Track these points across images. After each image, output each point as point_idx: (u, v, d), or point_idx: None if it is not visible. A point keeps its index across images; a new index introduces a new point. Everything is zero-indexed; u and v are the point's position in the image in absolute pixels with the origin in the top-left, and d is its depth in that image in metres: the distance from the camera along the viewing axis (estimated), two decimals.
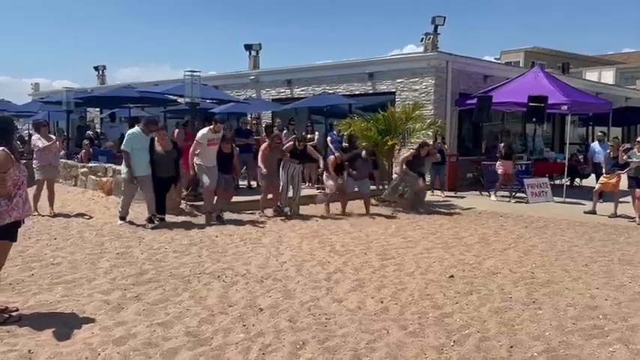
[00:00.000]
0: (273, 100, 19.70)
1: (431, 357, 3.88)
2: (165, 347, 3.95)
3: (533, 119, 13.83)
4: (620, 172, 10.62)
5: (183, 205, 10.02)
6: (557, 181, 14.25)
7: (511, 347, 4.04)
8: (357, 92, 17.73)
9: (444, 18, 16.53)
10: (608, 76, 28.94)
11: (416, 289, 5.52)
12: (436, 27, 16.47)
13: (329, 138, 14.26)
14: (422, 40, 16.80)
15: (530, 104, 12.74)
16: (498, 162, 13.11)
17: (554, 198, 12.67)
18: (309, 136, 14.07)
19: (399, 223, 9.55)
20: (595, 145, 14.08)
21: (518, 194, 13.07)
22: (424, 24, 22.53)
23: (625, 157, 10.37)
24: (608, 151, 11.37)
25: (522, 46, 34.58)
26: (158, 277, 5.74)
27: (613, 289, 5.63)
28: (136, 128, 8.73)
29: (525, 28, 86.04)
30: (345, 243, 7.78)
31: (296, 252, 6.99)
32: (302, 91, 19.09)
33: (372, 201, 11.15)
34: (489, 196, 13.10)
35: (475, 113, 13.89)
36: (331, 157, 10.59)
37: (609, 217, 10.48)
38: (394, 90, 16.85)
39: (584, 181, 15.38)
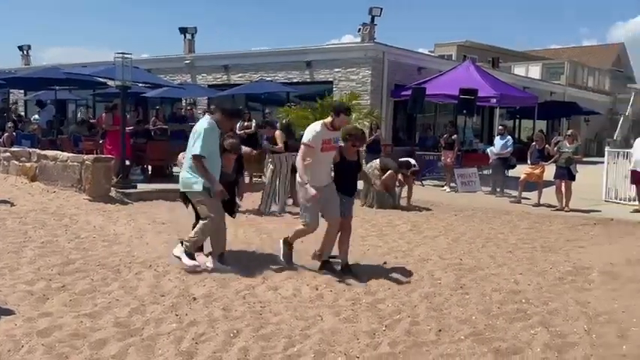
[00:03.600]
0: (209, 86, 19.38)
1: (363, 342, 3.96)
2: (94, 338, 3.82)
3: (464, 111, 14.32)
4: (543, 163, 11.23)
5: (113, 192, 9.69)
6: (486, 172, 14.83)
7: (439, 331, 4.19)
8: (296, 80, 17.72)
9: (381, 9, 16.77)
10: (534, 71, 30.29)
11: (349, 275, 5.60)
12: (373, 18, 16.68)
13: None
14: (359, 31, 17.00)
15: (461, 97, 13.17)
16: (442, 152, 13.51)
17: (482, 188, 13.20)
18: (246, 123, 13.94)
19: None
20: (497, 139, 13.71)
21: (451, 184, 13.51)
22: (362, 14, 22.71)
23: (555, 149, 10.97)
24: (533, 143, 11.97)
25: (455, 40, 35.59)
26: (86, 267, 5.53)
27: (535, 274, 5.93)
28: (209, 120, 5.69)
29: (459, 22, 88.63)
30: (282, 231, 7.77)
31: (232, 240, 6.93)
32: (239, 77, 18.87)
33: None
34: (421, 185, 13.47)
35: (409, 104, 14.22)
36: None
37: (533, 206, 11.05)
38: (332, 79, 16.96)
39: (510, 171, 16.08)
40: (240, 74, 18.84)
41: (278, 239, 7.20)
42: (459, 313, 4.62)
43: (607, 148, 12.98)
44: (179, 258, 5.47)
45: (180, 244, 5.55)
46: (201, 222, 5.56)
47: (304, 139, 5.56)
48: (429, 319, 4.44)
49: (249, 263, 5.93)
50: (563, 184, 10.67)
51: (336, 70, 16.84)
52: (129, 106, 11.34)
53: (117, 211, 8.71)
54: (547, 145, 11.51)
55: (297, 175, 5.68)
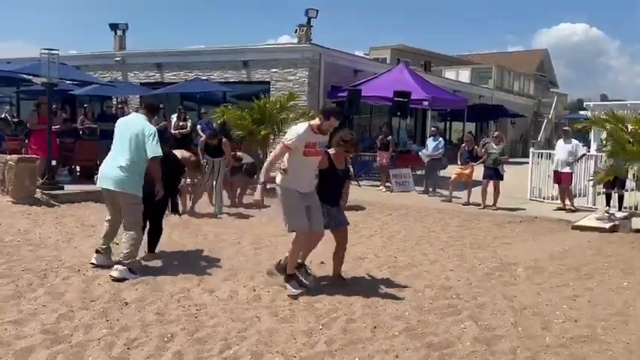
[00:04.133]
0: (141, 84, 18.84)
1: (300, 341, 3.98)
2: (19, 346, 3.64)
3: (398, 113, 14.64)
4: (473, 163, 11.67)
5: (38, 194, 9.24)
6: (419, 172, 15.22)
7: (374, 327, 4.27)
8: (232, 80, 17.53)
9: (317, 11, 16.89)
10: (464, 75, 31.37)
11: None
12: (309, 19, 16.78)
13: (199, 126, 13.95)
14: (296, 32, 17.04)
15: (395, 99, 13.47)
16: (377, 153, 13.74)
17: (416, 188, 13.55)
18: (181, 123, 13.67)
19: (274, 213, 9.62)
20: (429, 140, 13.80)
21: (387, 184, 13.77)
22: (299, 15, 22.78)
23: (483, 150, 11.43)
24: (463, 145, 12.42)
25: (389, 44, 36.36)
26: (10, 272, 5.25)
27: (465, 270, 6.16)
28: (145, 117, 5.61)
29: (393, 26, 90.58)
30: (217, 233, 7.69)
31: (166, 242, 6.77)
32: (173, 75, 18.48)
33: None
34: (358, 185, 13.66)
35: (346, 106, 14.38)
36: (202, 139, 10.14)
37: (463, 205, 11.44)
38: (269, 80, 16.90)
39: (441, 172, 16.60)
40: (174, 73, 18.43)
41: (215, 241, 7.16)
42: (393, 309, 4.73)
43: (531, 149, 13.65)
44: (122, 280, 5.16)
45: (117, 266, 5.26)
46: (127, 235, 5.37)
47: (284, 139, 5.11)
48: (364, 317, 4.51)
49: (184, 266, 5.82)
50: (491, 183, 11.13)
51: (274, 70, 16.80)
52: (56, 104, 10.80)
53: (43, 214, 8.32)
54: (476, 146, 11.97)
55: (262, 170, 5.23)
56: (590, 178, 11.22)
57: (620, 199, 10.81)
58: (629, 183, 10.73)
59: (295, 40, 17.39)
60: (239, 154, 10.57)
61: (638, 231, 8.81)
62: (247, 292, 5.04)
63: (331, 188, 5.37)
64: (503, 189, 11.34)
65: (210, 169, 9.29)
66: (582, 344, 4.09)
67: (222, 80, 17.40)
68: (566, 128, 12.18)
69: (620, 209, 10.45)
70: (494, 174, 11.12)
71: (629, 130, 9.21)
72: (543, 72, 44.22)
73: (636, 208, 10.32)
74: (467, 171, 11.76)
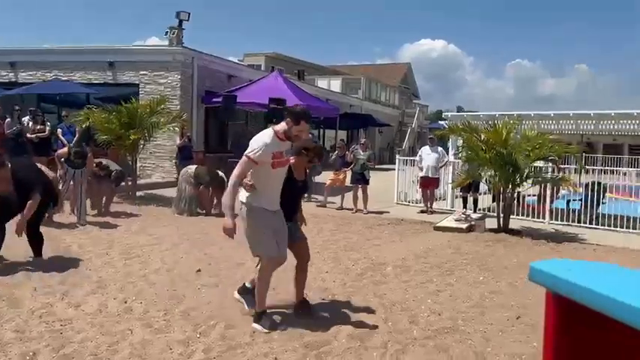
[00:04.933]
0: None
1: (177, 351, 3.88)
2: None
3: (274, 119, 14.74)
4: (345, 169, 12.15)
5: None
6: None
7: (254, 332, 4.28)
8: (96, 82, 16.59)
9: (189, 14, 16.56)
10: (335, 84, 32.49)
11: (162, 285, 5.44)
12: (181, 22, 16.39)
13: (59, 130, 13.02)
14: (167, 34, 16.55)
15: (271, 106, 13.58)
16: None
17: None
18: (38, 127, 12.64)
19: (145, 221, 9.25)
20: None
21: None
22: (168, 18, 22.11)
23: (352, 156, 11.91)
24: (335, 151, 12.88)
25: (263, 51, 36.60)
26: None
27: (340, 272, 6.39)
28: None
29: (266, 35, 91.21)
30: (82, 243, 7.22)
31: (23, 254, 6.22)
32: (29, 75, 17.05)
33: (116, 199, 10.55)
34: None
35: (221, 111, 14.24)
36: (64, 150, 9.53)
37: (337, 209, 11.84)
38: (138, 82, 16.24)
39: (316, 178, 17.03)
40: (30, 72, 17.02)
41: (80, 252, 6.71)
42: (270, 313, 4.77)
43: (398, 157, 14.50)
44: None
45: None
46: None
47: (249, 151, 4.19)
48: (242, 322, 4.50)
49: (46, 279, 5.40)
50: (360, 188, 11.66)
51: (143, 72, 16.15)
52: None
53: None
54: (347, 152, 12.48)
55: (226, 194, 4.32)
56: (450, 182, 12.22)
57: (475, 201, 11.85)
58: (483, 187, 11.82)
59: (165, 43, 16.87)
60: (104, 162, 10.00)
61: (491, 230, 9.72)
62: (118, 305, 4.80)
63: (288, 201, 4.61)
64: (373, 193, 11.92)
65: (71, 177, 8.77)
66: (446, 335, 4.43)
67: (85, 81, 16.39)
68: (431, 136, 12.98)
69: (475, 211, 11.44)
70: (361, 179, 11.66)
71: (482, 139, 10.14)
72: (407, 84, 47.15)
73: (489, 210, 11.35)
74: (341, 176, 12.22)
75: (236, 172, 4.17)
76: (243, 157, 4.18)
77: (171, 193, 11.55)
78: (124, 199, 11.26)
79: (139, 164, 13.20)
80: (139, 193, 12.29)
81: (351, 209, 11.66)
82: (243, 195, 4.32)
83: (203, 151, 15.67)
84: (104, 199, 9.92)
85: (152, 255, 6.74)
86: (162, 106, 12.72)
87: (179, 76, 15.88)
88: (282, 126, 4.29)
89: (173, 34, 16.23)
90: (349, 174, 12.12)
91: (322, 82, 31.51)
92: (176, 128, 13.43)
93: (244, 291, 4.80)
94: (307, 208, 11.91)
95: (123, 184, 11.26)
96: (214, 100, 15.42)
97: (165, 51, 16.36)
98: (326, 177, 12.83)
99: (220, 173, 10.53)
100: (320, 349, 4.01)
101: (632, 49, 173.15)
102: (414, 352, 4.06)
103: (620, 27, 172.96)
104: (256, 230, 4.35)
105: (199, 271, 6.02)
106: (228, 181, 4.35)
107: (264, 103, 13.87)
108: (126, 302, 4.87)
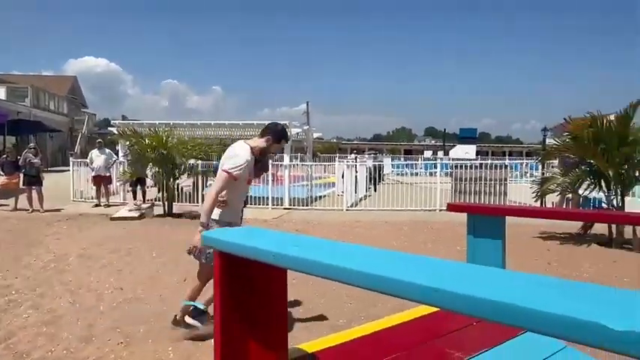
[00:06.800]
0: None
1: None
2: None
3: None
4: (19, 173, 10.26)
5: None
6: None
7: None
8: None
9: None
10: (1, 92, 26.47)
11: None
12: None
13: None
14: None
15: None
16: None
17: None
18: None
19: None
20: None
21: None
22: None
23: (24, 160, 10.14)
24: (4, 156, 10.69)
25: None
26: None
27: (22, 268, 5.44)
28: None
29: None
30: None
31: None
32: None
33: None
34: None
35: None
36: None
37: (11, 211, 9.88)
38: None
39: None
40: None
41: None
42: None
43: (71, 159, 12.92)
44: None
45: None
46: None
47: (230, 166, 3.25)
48: None
49: None
50: (34, 189, 10.04)
51: None
52: None
53: None
54: (19, 157, 10.52)
55: (206, 209, 3.20)
56: (119, 178, 11.64)
57: (144, 193, 11.59)
58: (149, 181, 11.67)
59: None
60: None
61: (159, 216, 9.72)
62: None
63: None
64: (49, 194, 10.38)
65: None
66: (129, 304, 4.34)
67: None
68: (99, 140, 12.13)
69: (144, 201, 11.21)
70: (35, 181, 10.09)
71: (147, 142, 10.06)
72: (74, 95, 41.81)
73: (156, 200, 11.28)
74: (14, 180, 10.21)
75: (217, 188, 3.24)
76: (223, 173, 3.25)
77: None
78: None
79: None
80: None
81: (27, 210, 9.88)
82: (216, 213, 3.35)
83: None
84: None
85: None
86: None
87: None
88: (258, 142, 3.44)
89: None
90: (22, 177, 10.23)
91: None
92: None
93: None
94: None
95: None
96: None
97: None
98: None
99: None
100: (8, 341, 3.42)
101: (252, 75, 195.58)
102: (103, 323, 3.87)
103: (242, 57, 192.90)
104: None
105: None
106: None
107: None
108: None
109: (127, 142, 11.03)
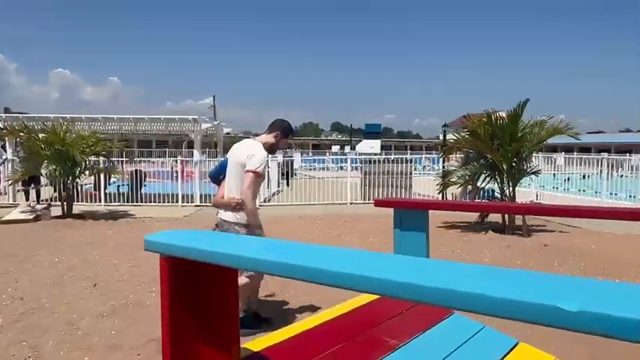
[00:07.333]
0: None
1: None
2: None
3: None
4: None
5: None
6: None
7: None
8: None
9: None
10: None
11: None
12: None
13: None
14: None
15: None
16: None
17: None
18: None
19: None
20: None
21: None
22: None
23: None
24: None
25: None
26: None
27: None
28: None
29: None
30: None
31: None
32: None
33: None
34: None
35: None
36: None
37: None
38: None
39: None
40: None
41: None
42: None
43: None
44: None
45: None
46: None
47: (254, 166, 3.22)
48: None
49: None
50: None
51: None
52: None
53: None
54: None
55: (243, 215, 3.26)
56: (8, 178, 10.38)
57: (38, 193, 10.48)
58: (44, 180, 10.55)
59: None
60: None
61: (57, 217, 8.85)
62: None
63: None
64: None
65: None
66: (33, 315, 3.94)
67: None
68: None
69: (38, 202, 10.13)
70: None
71: (41, 138, 9.09)
72: None
73: (53, 200, 10.25)
74: None
75: (251, 190, 3.23)
76: (250, 174, 3.22)
77: None
78: None
79: None
80: None
81: None
82: (234, 216, 3.31)
83: None
84: None
85: None
86: None
87: None
88: (267, 138, 3.44)
89: None
90: None
91: None
92: None
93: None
94: None
95: None
96: None
97: None
98: None
99: None
100: None
101: (151, 65, 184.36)
102: (6, 336, 3.47)
103: (140, 46, 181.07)
104: None
105: None
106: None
107: None
108: None
109: (17, 139, 9.90)
